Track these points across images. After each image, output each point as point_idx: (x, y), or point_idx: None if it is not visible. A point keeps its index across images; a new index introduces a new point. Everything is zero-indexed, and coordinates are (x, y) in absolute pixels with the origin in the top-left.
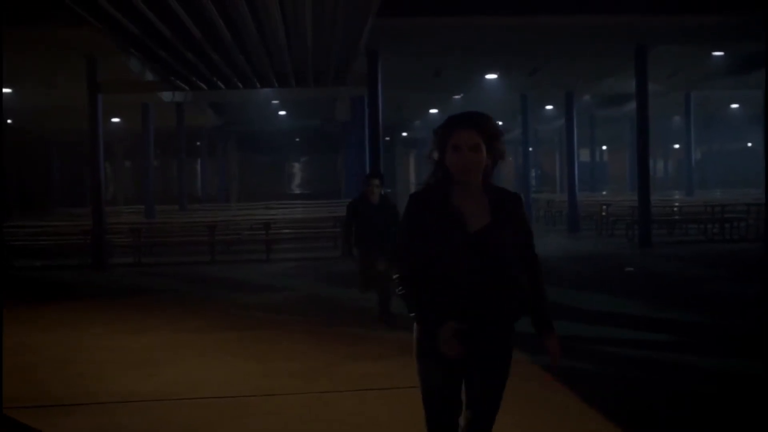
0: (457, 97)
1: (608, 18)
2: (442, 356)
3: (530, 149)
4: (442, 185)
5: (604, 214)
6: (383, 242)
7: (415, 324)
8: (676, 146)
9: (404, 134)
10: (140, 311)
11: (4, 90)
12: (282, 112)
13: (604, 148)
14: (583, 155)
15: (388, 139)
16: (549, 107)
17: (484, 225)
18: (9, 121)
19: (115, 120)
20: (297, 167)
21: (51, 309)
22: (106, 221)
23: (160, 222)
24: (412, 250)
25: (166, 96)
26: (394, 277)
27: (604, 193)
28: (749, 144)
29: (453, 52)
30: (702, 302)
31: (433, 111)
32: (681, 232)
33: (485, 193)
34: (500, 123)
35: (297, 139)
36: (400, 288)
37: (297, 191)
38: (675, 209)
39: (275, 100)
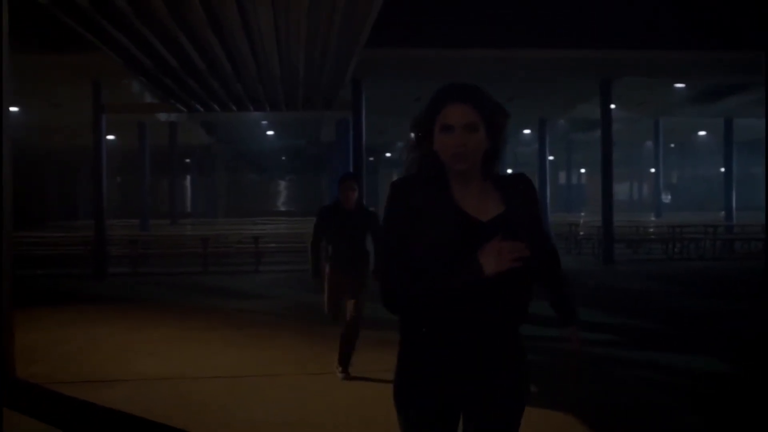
0: None
1: (575, 52)
2: (429, 404)
3: (509, 171)
4: (434, 174)
5: (582, 233)
6: (357, 257)
7: (396, 366)
8: (653, 170)
9: (387, 155)
10: (145, 313)
11: (12, 109)
12: (270, 132)
13: (583, 170)
14: (562, 178)
15: (371, 159)
16: (527, 131)
17: (498, 213)
18: None
19: (109, 137)
20: (283, 185)
21: (61, 311)
22: (107, 233)
23: (158, 235)
24: (402, 256)
25: (162, 115)
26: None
27: (583, 213)
28: (722, 169)
29: (432, 80)
30: (644, 311)
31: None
32: (645, 251)
33: (488, 181)
34: None
35: (283, 158)
36: (389, 306)
37: (282, 208)
38: (640, 230)
39: (264, 120)
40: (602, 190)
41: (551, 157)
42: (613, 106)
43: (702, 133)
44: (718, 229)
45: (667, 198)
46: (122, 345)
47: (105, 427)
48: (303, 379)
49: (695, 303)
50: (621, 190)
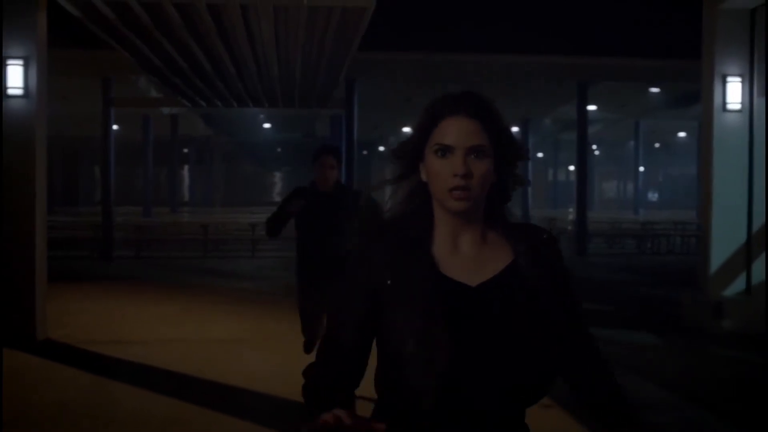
0: None
1: (553, 58)
2: None
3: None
4: (419, 216)
5: (569, 228)
6: (337, 254)
7: None
8: (641, 169)
9: (381, 149)
10: (153, 290)
11: None
12: (267, 125)
13: (571, 168)
14: (551, 175)
15: (365, 152)
16: (513, 129)
17: (493, 275)
18: None
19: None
20: (278, 176)
21: (74, 287)
22: (114, 218)
23: (163, 222)
24: (349, 328)
25: (165, 109)
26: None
27: (570, 209)
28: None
29: (420, 82)
30: (599, 296)
31: (407, 129)
32: (621, 246)
33: (493, 229)
34: None
35: (279, 150)
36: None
37: (277, 199)
38: (615, 225)
39: (261, 114)
40: (577, 188)
41: (540, 154)
42: (595, 107)
43: (682, 134)
44: (688, 225)
45: (653, 196)
46: (135, 315)
47: (126, 374)
48: (291, 343)
49: (647, 290)
50: (609, 188)
